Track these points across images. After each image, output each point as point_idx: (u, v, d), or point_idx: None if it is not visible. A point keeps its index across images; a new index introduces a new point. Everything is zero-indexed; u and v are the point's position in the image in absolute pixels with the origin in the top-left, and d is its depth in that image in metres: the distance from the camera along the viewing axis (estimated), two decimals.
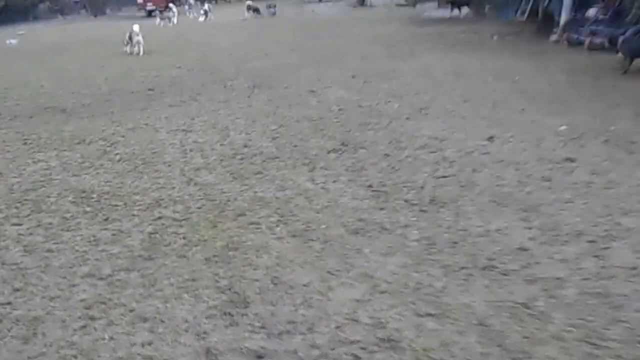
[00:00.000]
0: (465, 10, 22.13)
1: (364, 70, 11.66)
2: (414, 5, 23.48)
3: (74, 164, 6.62)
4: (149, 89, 11.07)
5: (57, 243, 4.52)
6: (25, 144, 7.60)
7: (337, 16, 28.11)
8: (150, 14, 40.09)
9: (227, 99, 9.78)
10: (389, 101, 8.83)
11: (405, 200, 5.01)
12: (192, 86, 11.12)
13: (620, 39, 10.15)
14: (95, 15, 45.25)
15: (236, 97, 9.86)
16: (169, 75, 12.54)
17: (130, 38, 16.72)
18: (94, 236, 4.61)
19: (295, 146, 6.82)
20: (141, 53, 16.47)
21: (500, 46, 14.12)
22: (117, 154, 6.92)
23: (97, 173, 6.24)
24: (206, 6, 31.53)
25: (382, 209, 4.86)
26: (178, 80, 11.92)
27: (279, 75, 11.67)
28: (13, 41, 21.44)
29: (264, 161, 6.36)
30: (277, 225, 4.63)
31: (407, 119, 7.73)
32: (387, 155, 6.30)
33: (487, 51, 13.22)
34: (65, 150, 7.17)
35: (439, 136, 6.83)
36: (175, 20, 28.49)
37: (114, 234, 4.63)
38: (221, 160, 6.47)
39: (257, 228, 4.59)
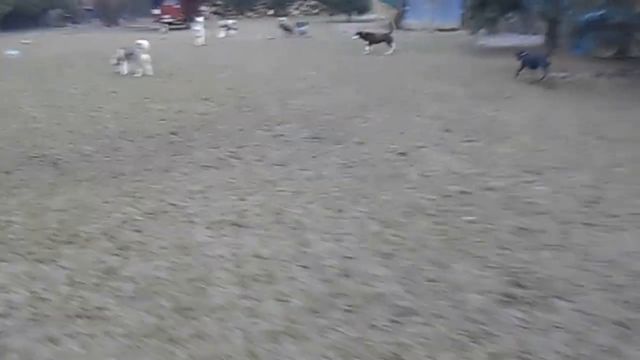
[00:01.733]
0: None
1: (453, 119, 8.88)
2: (473, 32, 20.60)
3: (52, 302, 3.77)
4: (171, 133, 8.28)
5: None
6: None
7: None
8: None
9: (283, 159, 6.97)
10: (530, 181, 5.97)
11: None
12: (229, 131, 8.35)
13: None
14: (109, 26, 42.75)
15: (296, 157, 7.05)
16: (194, 111, 9.77)
17: (127, 56, 13.95)
18: None
19: (434, 281, 3.94)
20: (149, 72, 13.75)
21: (625, 91, 11.20)
22: (128, 278, 4.05)
23: (89, 343, 3.37)
24: (228, 21, 28.66)
25: None
26: (208, 120, 9.15)
27: (343, 121, 8.90)
28: (14, 52, 18.81)
29: (394, 321, 3.49)
30: None
31: (588, 224, 4.84)
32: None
33: (615, 98, 10.35)
34: (42, 261, 4.30)
35: None
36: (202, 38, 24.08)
37: None
38: (312, 312, 3.61)
39: None
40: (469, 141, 7.62)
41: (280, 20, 28.43)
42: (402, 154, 7.11)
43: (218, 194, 5.75)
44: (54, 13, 47.50)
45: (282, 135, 8.18)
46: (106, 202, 5.46)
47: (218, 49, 21.28)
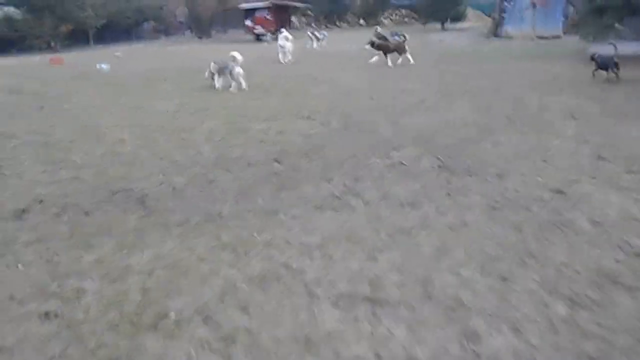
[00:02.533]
0: None
1: (601, 143, 7.25)
2: (586, 39, 18.44)
3: None
4: (274, 160, 7.05)
5: None
6: (42, 319, 3.63)
7: (472, 48, 23.71)
8: (258, 37, 37.26)
9: (411, 197, 5.58)
10: None
11: None
12: (340, 158, 7.02)
13: None
14: (200, 37, 43.04)
15: (426, 195, 5.64)
16: (297, 132, 8.55)
17: (220, 70, 12.96)
18: None
19: None
20: (243, 86, 12.71)
21: None
22: None
23: None
24: (318, 33, 27.54)
25: None
26: (313, 143, 7.88)
27: (469, 146, 7.41)
28: (104, 66, 18.51)
29: None
30: None
31: None
32: None
33: None
34: None
35: None
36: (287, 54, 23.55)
37: None
38: None
39: None
40: (632, 172, 5.94)
41: (375, 30, 27.09)
42: (558, 191, 5.53)
43: (341, 250, 4.41)
44: (147, 25, 48.60)
45: (402, 163, 6.78)
46: (201, 260, 4.24)
47: (310, 61, 20.20)
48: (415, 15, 47.81)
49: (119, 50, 28.88)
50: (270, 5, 38.49)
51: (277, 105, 10.98)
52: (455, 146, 7.49)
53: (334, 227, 4.91)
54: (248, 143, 8.07)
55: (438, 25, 39.49)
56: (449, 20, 39.84)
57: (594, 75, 12.57)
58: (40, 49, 35.33)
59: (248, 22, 37.98)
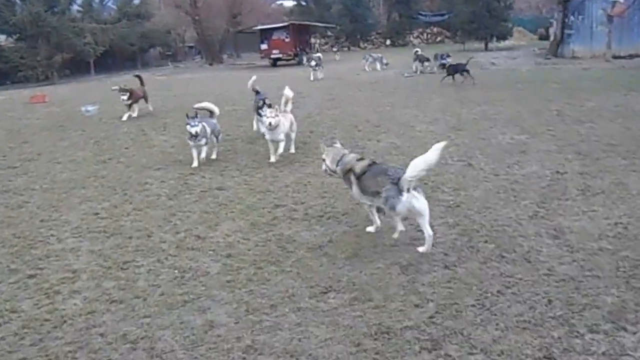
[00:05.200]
0: None
1: None
2: None
3: None
4: None
5: None
6: None
7: (542, 74, 19.31)
8: (275, 63, 32.97)
9: None
10: None
11: None
12: None
13: None
14: (211, 64, 38.85)
15: None
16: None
17: (261, 107, 8.85)
18: None
19: None
20: (291, 150, 8.37)
21: None
22: None
23: None
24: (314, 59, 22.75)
25: None
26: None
27: None
28: (91, 108, 14.24)
29: None
30: None
31: None
32: None
33: None
34: None
35: None
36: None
37: None
38: None
39: None
40: None
41: (415, 52, 22.68)
42: None
43: None
44: (153, 52, 44.57)
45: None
46: None
47: (349, 94, 15.76)
48: (448, 33, 43.39)
49: (118, 83, 24.61)
50: (289, 25, 34.27)
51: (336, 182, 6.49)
52: None
53: None
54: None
55: (479, 44, 34.91)
56: (494, 38, 35.14)
57: None
58: (37, 80, 31.23)
59: (264, 46, 33.67)
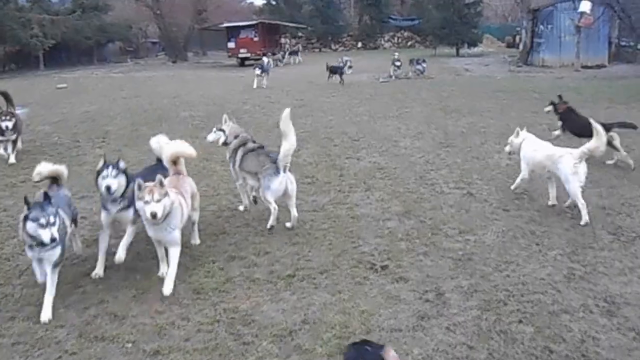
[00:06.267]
0: None
1: None
2: None
3: None
4: None
5: None
6: None
7: (522, 83, 18.26)
8: (243, 62, 31.36)
9: None
10: None
11: None
12: None
13: None
14: (174, 62, 36.85)
15: None
16: None
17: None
18: None
19: None
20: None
21: None
22: None
23: None
24: (265, 60, 20.94)
25: None
26: None
27: None
28: (19, 110, 12.18)
29: None
30: None
31: None
32: None
33: None
34: None
35: None
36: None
37: None
38: None
39: None
40: None
41: (392, 56, 21.54)
42: None
43: None
44: (112, 47, 42.25)
45: None
46: None
47: (341, 104, 14.41)
48: (419, 38, 42.56)
49: (66, 80, 22.74)
50: (258, 23, 32.74)
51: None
52: None
53: None
54: None
55: (450, 50, 34.10)
56: (465, 44, 34.47)
57: None
58: None
59: (231, 44, 32.05)
